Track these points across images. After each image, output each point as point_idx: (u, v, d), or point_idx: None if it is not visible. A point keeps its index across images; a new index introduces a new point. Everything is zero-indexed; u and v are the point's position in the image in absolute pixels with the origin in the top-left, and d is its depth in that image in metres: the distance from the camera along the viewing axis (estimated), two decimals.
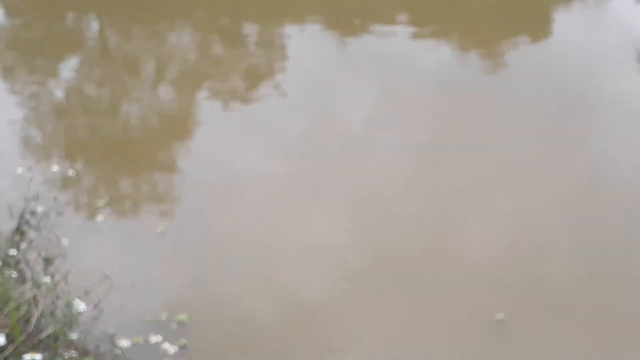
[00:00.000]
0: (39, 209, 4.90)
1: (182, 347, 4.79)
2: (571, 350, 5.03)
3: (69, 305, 4.28)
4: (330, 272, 5.74)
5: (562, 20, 9.39)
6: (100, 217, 5.15)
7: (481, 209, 6.31)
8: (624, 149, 7.00)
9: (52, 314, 4.31)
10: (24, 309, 4.09)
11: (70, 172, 5.55)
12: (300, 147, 7.02)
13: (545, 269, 5.70)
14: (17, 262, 4.54)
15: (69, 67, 8.43)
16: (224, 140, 7.15)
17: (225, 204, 6.32)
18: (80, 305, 4.26)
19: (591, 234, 6.02)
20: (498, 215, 6.24)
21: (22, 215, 4.75)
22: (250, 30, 9.28)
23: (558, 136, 7.14)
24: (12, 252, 4.49)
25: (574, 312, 5.33)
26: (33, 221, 4.84)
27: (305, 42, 8.82)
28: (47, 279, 4.48)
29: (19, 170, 5.15)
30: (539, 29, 9.23)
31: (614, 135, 7.17)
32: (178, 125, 7.53)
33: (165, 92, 8.20)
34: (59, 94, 8.06)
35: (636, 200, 6.36)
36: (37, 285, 4.35)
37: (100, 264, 5.19)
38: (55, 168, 5.57)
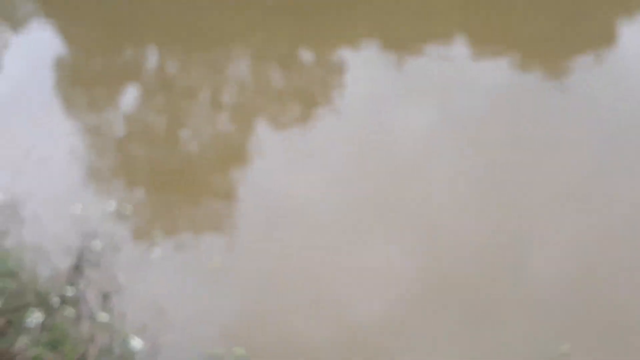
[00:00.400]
0: (97, 245, 4.91)
1: None
2: None
3: (125, 342, 4.27)
4: (390, 302, 5.69)
5: (627, 36, 9.07)
6: (156, 251, 5.10)
7: (545, 236, 6.18)
8: None
9: (110, 351, 4.31)
10: (81, 348, 4.10)
11: (127, 209, 5.55)
12: (357, 174, 6.97)
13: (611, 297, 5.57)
14: (77, 301, 4.56)
15: (127, 98, 8.50)
16: (281, 167, 7.16)
17: (281, 233, 6.31)
18: (137, 343, 4.25)
19: None
20: (563, 240, 6.09)
21: (80, 253, 4.78)
22: (306, 55, 9.26)
23: (619, 163, 6.95)
24: (71, 290, 4.52)
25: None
26: (91, 258, 4.85)
27: (361, 66, 8.75)
28: (104, 316, 4.48)
29: (78, 208, 5.13)
30: (604, 42, 8.92)
31: None
32: (235, 154, 7.55)
33: (222, 120, 8.22)
34: (119, 125, 8.13)
35: None
36: (94, 322, 4.35)
37: (157, 298, 5.23)
38: (112, 205, 5.58)
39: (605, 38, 8.96)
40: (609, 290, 5.65)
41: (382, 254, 6.09)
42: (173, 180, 7.13)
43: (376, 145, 7.35)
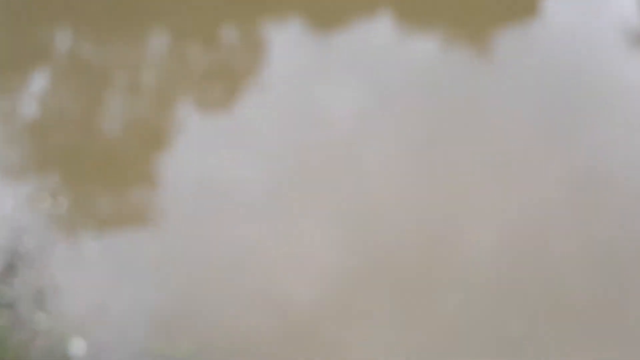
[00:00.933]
0: (28, 243, 4.73)
1: None
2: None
3: (65, 344, 4.13)
4: (325, 282, 5.74)
5: (552, 7, 9.23)
6: (88, 246, 5.05)
7: (477, 209, 6.31)
8: (621, 140, 7.04)
9: (51, 353, 4.17)
10: (21, 354, 3.94)
11: (58, 203, 5.37)
12: (284, 152, 6.97)
13: (547, 269, 5.74)
14: (11, 303, 4.37)
15: (39, 81, 8.21)
16: (206, 149, 7.06)
17: (211, 218, 6.25)
18: (78, 344, 4.11)
19: (590, 230, 6.07)
20: (496, 213, 6.26)
21: (12, 251, 4.59)
22: (229, 32, 9.13)
23: (552, 129, 7.16)
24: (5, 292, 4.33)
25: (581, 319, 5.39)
26: (24, 257, 4.66)
27: (285, 42, 8.68)
28: (41, 317, 4.31)
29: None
30: (528, 15, 9.10)
31: (610, 125, 7.23)
32: (157, 137, 7.41)
33: (143, 102, 8.03)
34: (33, 111, 7.83)
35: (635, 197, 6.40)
36: (32, 325, 4.18)
37: (95, 295, 5.10)
38: (43, 199, 5.40)
39: (529, 10, 9.15)
40: (543, 269, 5.79)
41: (314, 237, 6.13)
42: (95, 169, 6.96)
43: (303, 123, 7.37)
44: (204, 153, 6.95)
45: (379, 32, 8.78)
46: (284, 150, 6.99)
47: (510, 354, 5.23)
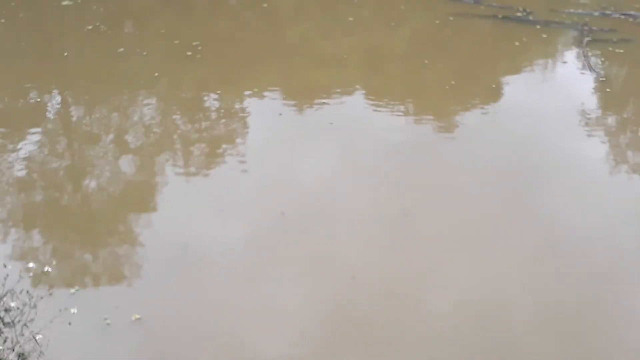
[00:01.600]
0: (12, 304, 4.85)
1: None
2: None
3: None
4: (293, 336, 5.88)
5: (513, 89, 9.75)
6: (73, 309, 4.94)
7: (440, 277, 6.50)
8: (576, 211, 7.31)
9: None
10: None
11: (44, 266, 5.50)
12: (259, 217, 7.08)
13: (503, 328, 5.98)
14: None
15: (30, 142, 8.39)
16: (185, 213, 7.18)
17: (189, 279, 6.37)
18: None
19: (548, 295, 6.29)
20: (459, 281, 6.44)
21: None
22: (211, 102, 9.35)
23: (513, 201, 7.38)
24: None
25: None
26: (7, 318, 4.79)
27: (264, 112, 8.96)
28: None
29: None
30: (491, 96, 9.55)
31: (565, 198, 7.46)
32: (139, 200, 7.55)
33: (126, 166, 8.14)
34: (21, 170, 7.95)
35: (589, 264, 6.65)
36: None
37: (77, 354, 5.23)
38: (30, 264, 5.51)
39: (491, 93, 9.58)
40: (501, 323, 6.01)
41: (286, 292, 6.26)
42: (79, 229, 7.08)
43: (280, 189, 7.49)
44: (182, 217, 7.04)
45: (352, 106, 9.05)
46: (257, 214, 7.09)
47: None
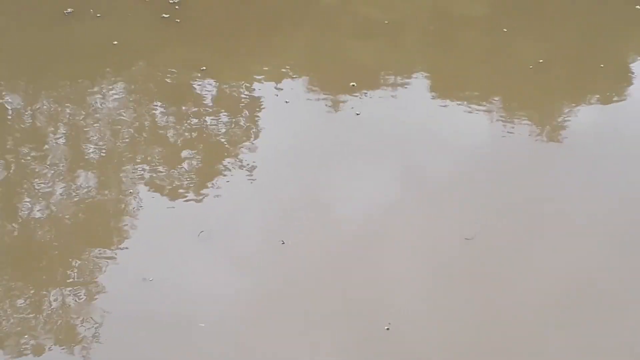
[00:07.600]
0: None
1: None
2: None
3: None
4: None
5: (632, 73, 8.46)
6: None
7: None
8: None
9: None
10: None
11: None
12: (270, 259, 5.93)
13: None
14: None
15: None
16: (170, 252, 5.95)
17: (174, 338, 5.33)
18: None
19: None
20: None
21: None
22: (211, 89, 7.97)
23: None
24: None
25: None
26: None
27: (284, 109, 7.68)
28: None
29: None
30: (601, 82, 8.22)
31: None
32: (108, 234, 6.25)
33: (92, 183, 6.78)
34: None
35: None
36: None
37: None
38: None
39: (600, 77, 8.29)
40: None
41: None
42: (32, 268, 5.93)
43: (298, 219, 6.27)
44: (168, 258, 5.82)
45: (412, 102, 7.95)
46: (267, 255, 5.93)
47: None
